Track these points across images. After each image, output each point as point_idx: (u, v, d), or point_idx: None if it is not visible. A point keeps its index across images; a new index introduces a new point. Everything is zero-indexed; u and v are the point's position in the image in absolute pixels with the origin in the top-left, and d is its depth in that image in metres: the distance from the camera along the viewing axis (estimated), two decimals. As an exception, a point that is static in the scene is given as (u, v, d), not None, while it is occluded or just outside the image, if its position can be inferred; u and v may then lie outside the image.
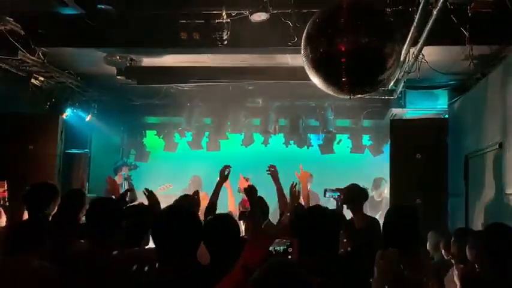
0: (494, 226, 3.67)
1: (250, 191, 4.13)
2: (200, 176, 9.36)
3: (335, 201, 5.35)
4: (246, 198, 5.38)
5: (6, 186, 5.36)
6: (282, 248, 2.15)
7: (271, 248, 2.14)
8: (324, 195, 5.24)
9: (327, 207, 3.48)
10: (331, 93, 4.71)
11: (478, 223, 5.83)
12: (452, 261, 4.33)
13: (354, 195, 5.29)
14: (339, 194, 5.10)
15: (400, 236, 3.80)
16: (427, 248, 5.06)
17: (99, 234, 3.35)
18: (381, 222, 7.13)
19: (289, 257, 2.14)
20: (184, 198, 5.25)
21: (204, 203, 5.79)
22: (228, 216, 3.58)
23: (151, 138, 10.64)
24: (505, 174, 5.20)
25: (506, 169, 5.19)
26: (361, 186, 5.59)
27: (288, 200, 5.07)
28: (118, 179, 8.67)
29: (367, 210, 7.65)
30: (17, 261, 3.27)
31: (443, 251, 4.75)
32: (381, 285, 3.73)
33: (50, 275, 3.24)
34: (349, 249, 4.74)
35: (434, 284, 3.85)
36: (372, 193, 8.52)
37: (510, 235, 3.49)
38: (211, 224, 3.30)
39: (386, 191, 8.91)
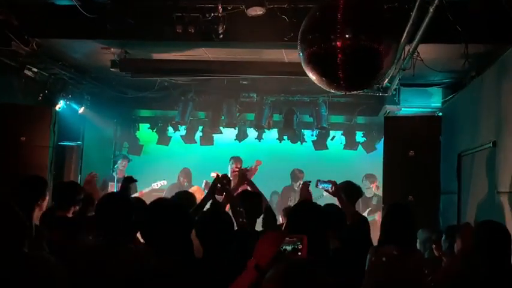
0: (486, 223, 3.70)
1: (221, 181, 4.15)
2: (191, 169, 9.38)
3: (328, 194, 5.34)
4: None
5: None
6: (292, 246, 2.13)
7: (281, 247, 2.13)
8: (316, 186, 5.21)
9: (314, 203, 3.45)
10: (326, 89, 4.70)
11: (470, 221, 5.85)
12: (444, 258, 4.35)
13: (348, 192, 5.29)
14: (331, 185, 5.07)
15: (397, 234, 3.84)
16: (418, 245, 5.08)
17: (110, 230, 3.35)
18: (367, 216, 7.22)
19: (299, 254, 2.12)
20: (182, 195, 5.16)
21: (197, 197, 5.77)
22: (220, 210, 3.59)
23: (144, 131, 10.61)
24: (498, 172, 5.22)
25: (499, 167, 5.21)
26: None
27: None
28: (118, 172, 8.71)
29: (359, 206, 7.71)
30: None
31: (434, 248, 4.78)
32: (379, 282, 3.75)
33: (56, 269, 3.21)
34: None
35: (428, 281, 3.87)
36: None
37: (501, 231, 3.53)
38: (203, 217, 3.30)
39: (373, 187, 8.99)
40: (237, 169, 7.04)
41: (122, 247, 3.30)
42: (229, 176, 8.32)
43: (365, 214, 8.47)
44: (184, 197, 4.95)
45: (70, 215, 4.69)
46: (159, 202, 3.06)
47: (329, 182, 5.08)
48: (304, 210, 3.12)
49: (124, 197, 3.75)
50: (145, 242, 2.85)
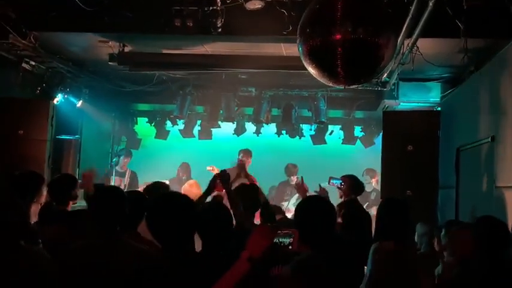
0: (485, 218, 3.71)
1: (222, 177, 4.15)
2: (190, 163, 9.38)
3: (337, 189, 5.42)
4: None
5: None
6: (287, 239, 2.16)
7: (276, 240, 2.16)
8: (328, 183, 5.31)
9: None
10: (325, 82, 4.69)
11: (468, 215, 5.86)
12: (444, 253, 4.36)
13: (352, 186, 5.32)
14: (341, 181, 5.16)
15: (393, 229, 3.85)
16: (415, 239, 5.10)
17: (105, 223, 3.35)
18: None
19: (290, 247, 2.15)
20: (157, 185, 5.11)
21: (193, 191, 5.77)
22: (219, 204, 3.59)
23: (142, 125, 10.59)
24: (496, 167, 5.23)
25: (497, 162, 5.22)
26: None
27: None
28: (121, 166, 8.74)
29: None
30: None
31: (435, 242, 4.78)
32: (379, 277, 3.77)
33: (45, 262, 3.20)
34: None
35: (424, 275, 3.89)
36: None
37: (500, 227, 3.54)
38: (203, 211, 3.29)
39: (373, 182, 9.00)
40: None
41: (119, 242, 3.30)
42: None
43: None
44: (159, 187, 4.92)
45: (69, 208, 4.67)
46: (169, 196, 3.04)
47: (341, 178, 5.18)
48: (315, 205, 3.13)
49: (117, 190, 3.74)
50: (152, 234, 2.83)
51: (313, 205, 3.13)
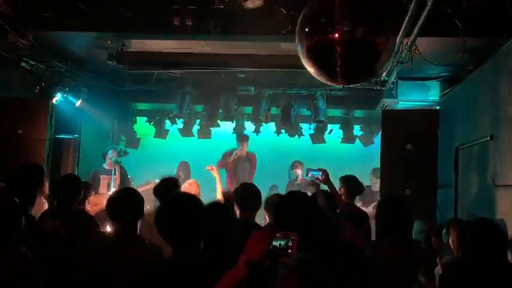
0: (480, 221, 3.72)
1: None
2: (189, 162, 9.38)
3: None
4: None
5: None
6: (285, 242, 2.15)
7: (275, 243, 2.14)
8: (306, 175, 5.28)
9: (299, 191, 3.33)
10: (324, 81, 4.69)
11: (466, 214, 5.87)
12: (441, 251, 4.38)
13: (348, 186, 5.32)
14: (321, 173, 5.13)
15: (392, 227, 3.85)
16: (412, 237, 5.10)
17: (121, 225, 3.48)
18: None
19: (289, 251, 2.14)
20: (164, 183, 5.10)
21: (193, 190, 5.77)
22: (218, 203, 3.60)
23: (141, 124, 10.60)
24: (495, 165, 5.24)
25: (496, 161, 5.23)
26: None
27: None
28: (108, 163, 8.60)
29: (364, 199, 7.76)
30: None
31: (433, 240, 4.79)
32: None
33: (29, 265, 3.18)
34: None
35: (424, 274, 3.89)
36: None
37: (495, 229, 3.56)
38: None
39: (379, 181, 9.00)
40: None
41: (131, 242, 3.36)
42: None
43: (370, 208, 8.53)
44: (170, 184, 4.92)
45: (73, 209, 4.66)
46: (181, 198, 3.03)
47: (319, 170, 5.15)
48: (295, 204, 3.04)
49: (135, 192, 3.77)
50: (162, 235, 2.81)
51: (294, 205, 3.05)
